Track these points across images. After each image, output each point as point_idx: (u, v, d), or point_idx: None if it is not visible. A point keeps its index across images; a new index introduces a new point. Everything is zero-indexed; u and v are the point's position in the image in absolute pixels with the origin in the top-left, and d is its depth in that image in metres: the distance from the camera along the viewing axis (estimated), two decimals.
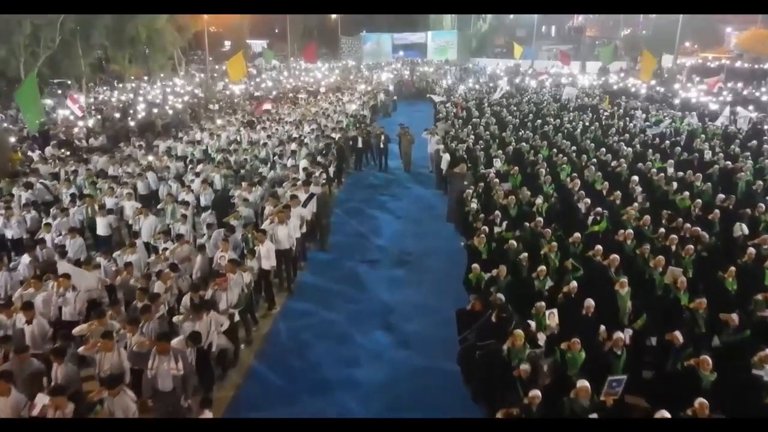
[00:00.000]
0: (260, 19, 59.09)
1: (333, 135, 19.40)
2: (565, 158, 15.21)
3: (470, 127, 20.54)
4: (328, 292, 10.67)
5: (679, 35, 46.15)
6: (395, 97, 34.98)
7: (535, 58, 53.29)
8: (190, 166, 16.04)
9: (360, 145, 19.35)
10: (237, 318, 8.43)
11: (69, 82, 36.96)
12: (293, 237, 10.52)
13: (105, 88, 37.97)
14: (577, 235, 9.86)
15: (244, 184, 13.36)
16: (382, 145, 19.29)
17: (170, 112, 25.52)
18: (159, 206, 12.93)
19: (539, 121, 21.29)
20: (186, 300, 8.03)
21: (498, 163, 15.21)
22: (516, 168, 14.30)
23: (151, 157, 17.07)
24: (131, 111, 25.29)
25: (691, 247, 9.33)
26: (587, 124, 21.74)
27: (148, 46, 37.25)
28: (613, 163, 14.73)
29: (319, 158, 16.04)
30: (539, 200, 11.78)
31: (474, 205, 12.04)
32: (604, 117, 22.37)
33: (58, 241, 10.56)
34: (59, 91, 34.77)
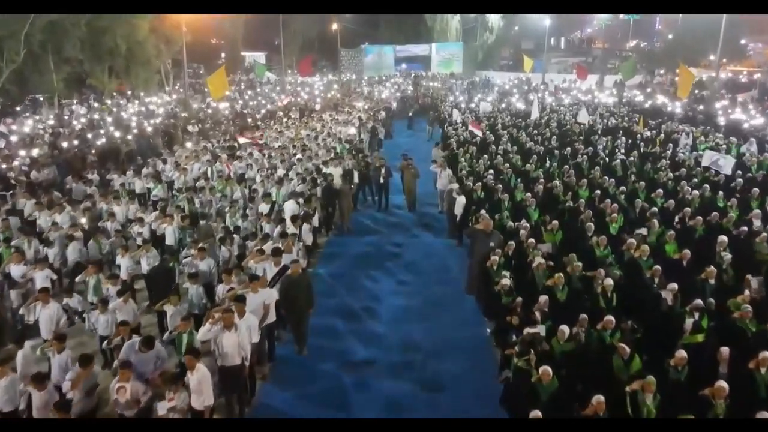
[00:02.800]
0: (258, 29, 56.17)
1: (323, 164, 16.19)
2: (615, 204, 11.87)
3: (486, 157, 17.22)
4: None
5: (703, 46, 43.48)
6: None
7: (545, 71, 50.26)
8: (138, 215, 12.73)
9: (356, 179, 16.05)
10: None
11: (41, 98, 33.97)
12: (246, 347, 7.16)
13: (82, 105, 34.82)
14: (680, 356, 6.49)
15: (194, 249, 10.06)
16: (382, 180, 15.98)
17: (150, 133, 22.36)
18: (78, 278, 9.69)
19: (568, 149, 17.94)
20: None
21: (531, 212, 11.96)
22: (555, 222, 10.95)
23: (97, 206, 13.76)
24: (99, 133, 22.10)
25: None
26: (623, 151, 18.46)
27: (128, 60, 34.18)
28: (681, 213, 11.43)
29: (298, 203, 12.73)
30: (606, 281, 8.33)
31: (506, 281, 8.73)
32: (642, 143, 19.02)
33: None
34: (29, 112, 31.68)
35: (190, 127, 24.69)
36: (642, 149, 18.22)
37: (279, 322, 8.86)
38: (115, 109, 29.58)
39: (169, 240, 11.79)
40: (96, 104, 33.81)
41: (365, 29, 61.84)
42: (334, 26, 58.14)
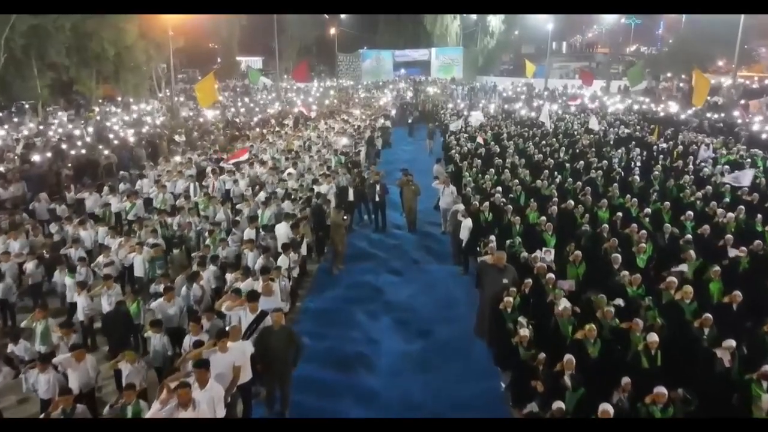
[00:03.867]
0: (254, 34, 54.89)
1: (314, 182, 14.83)
2: (643, 231, 10.50)
3: (492, 171, 15.88)
4: None
5: (710, 51, 42.18)
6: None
7: (548, 77, 49.03)
8: (107, 240, 11.37)
9: (351, 197, 14.69)
10: None
11: (27, 105, 32.68)
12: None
13: (69, 112, 33.48)
14: None
15: (163, 284, 8.70)
16: (378, 197, 14.61)
17: (132, 143, 21.00)
18: (24, 324, 8.33)
19: (581, 162, 16.59)
20: None
21: (547, 238, 10.61)
22: (578, 253, 9.58)
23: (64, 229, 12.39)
24: (76, 145, 20.72)
25: None
26: (639, 164, 17.14)
27: (117, 65, 32.84)
28: (721, 242, 10.07)
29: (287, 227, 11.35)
30: (650, 338, 6.83)
31: (525, 332, 7.36)
32: (660, 155, 17.65)
33: None
34: (15, 119, 30.34)
35: (176, 137, 23.32)
36: (660, 162, 16.88)
37: (257, 378, 7.48)
38: (99, 118, 28.14)
39: (138, 272, 10.44)
40: (82, 111, 32.35)
41: (364, 33, 60.78)
42: (332, 31, 57.09)
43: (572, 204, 12.32)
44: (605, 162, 16.57)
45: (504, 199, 13.05)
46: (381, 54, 57.31)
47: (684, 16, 58.15)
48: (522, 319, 7.62)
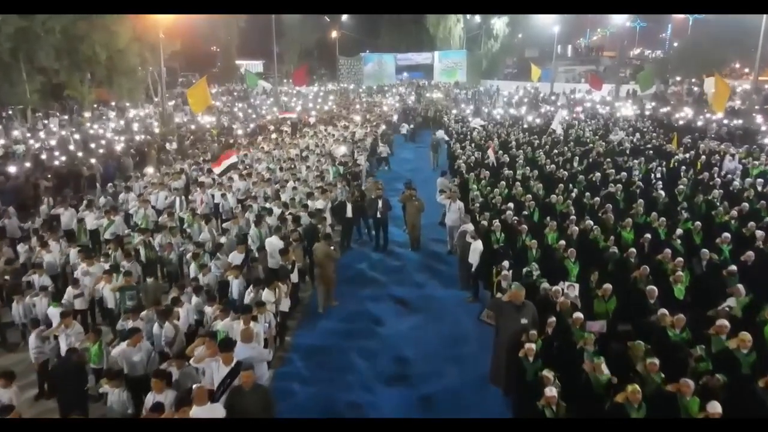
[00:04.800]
0: (254, 37, 53.76)
1: (309, 196, 13.63)
2: (680, 258, 9.27)
3: (503, 184, 14.67)
4: None
5: (723, 53, 40.83)
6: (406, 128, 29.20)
7: (554, 81, 47.77)
8: (75, 265, 10.22)
9: (349, 213, 13.49)
10: None
11: (11, 111, 31.58)
12: None
13: (61, 117, 32.37)
14: None
15: (131, 320, 7.53)
16: (379, 214, 13.40)
17: (119, 152, 19.82)
18: None
19: (597, 173, 15.36)
20: None
21: (570, 266, 9.42)
22: (608, 287, 8.35)
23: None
24: (54, 155, 19.54)
25: None
26: (659, 176, 15.93)
27: (110, 69, 31.72)
28: None
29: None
30: (712, 408, 5.51)
31: (551, 392, 6.12)
32: (682, 166, 16.38)
33: None
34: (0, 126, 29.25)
35: (167, 145, 22.16)
36: (682, 174, 15.63)
37: None
38: (89, 124, 27.00)
39: (110, 303, 9.27)
40: (75, 117, 31.24)
41: (365, 37, 59.72)
42: (334, 34, 56.01)
43: (592, 224, 11.10)
44: (624, 174, 15.35)
45: (516, 217, 11.84)
46: (383, 57, 56.22)
47: (691, 18, 57.19)
48: (548, 373, 6.39)
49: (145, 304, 9.01)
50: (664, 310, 7.58)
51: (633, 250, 9.73)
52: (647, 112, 29.92)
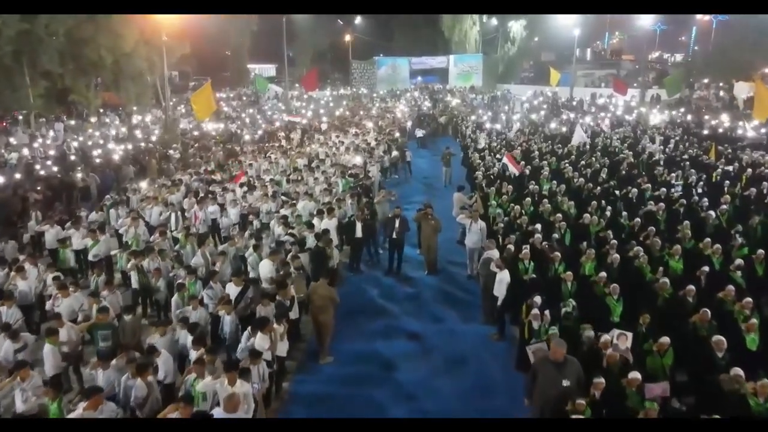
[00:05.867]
0: (267, 40, 52.88)
1: (316, 215, 12.37)
2: (748, 299, 7.86)
3: (528, 201, 13.29)
4: None
5: (752, 56, 38.98)
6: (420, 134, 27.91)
7: (573, 85, 46.12)
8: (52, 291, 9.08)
9: (358, 233, 12.22)
10: None
11: (20, 117, 30.91)
12: None
13: (68, 123, 31.60)
14: None
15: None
16: (395, 234, 12.08)
17: (117, 161, 18.73)
18: None
19: (633, 189, 13.89)
20: None
21: (613, 305, 8.06)
22: (666, 341, 6.95)
23: None
24: (46, 164, 18.48)
25: None
26: (701, 191, 14.46)
27: (116, 73, 30.89)
28: None
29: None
30: None
31: None
32: (726, 181, 14.87)
33: None
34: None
35: (171, 152, 21.10)
36: (727, 190, 14.12)
37: None
38: (90, 130, 26.09)
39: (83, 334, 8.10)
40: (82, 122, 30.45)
41: (379, 40, 58.61)
42: (347, 37, 54.95)
43: (639, 252, 9.70)
44: (663, 189, 13.87)
45: (547, 242, 10.48)
46: (397, 61, 54.96)
47: (714, 21, 55.20)
48: None
49: (122, 340, 7.86)
50: (738, 371, 6.20)
51: (692, 288, 8.30)
52: (677, 119, 28.22)
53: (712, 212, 11.78)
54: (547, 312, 7.82)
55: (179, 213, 13.29)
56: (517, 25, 54.39)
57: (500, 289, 9.25)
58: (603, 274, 8.81)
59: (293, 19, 49.58)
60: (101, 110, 34.15)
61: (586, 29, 56.00)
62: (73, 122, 32.65)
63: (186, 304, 8.65)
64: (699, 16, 59.85)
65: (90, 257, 11.39)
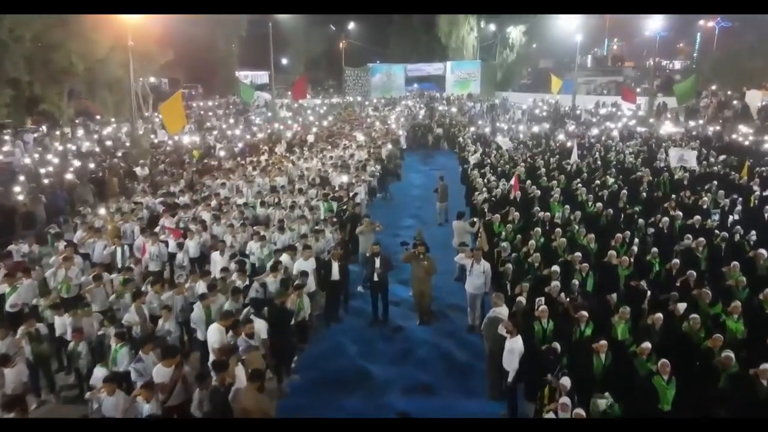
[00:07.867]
0: (260, 47, 50.86)
1: (286, 250, 10.28)
2: None
3: (538, 232, 11.26)
4: None
5: (763, 63, 37.26)
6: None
7: (575, 93, 44.21)
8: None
9: (335, 275, 10.12)
10: None
11: None
12: None
13: (37, 134, 29.49)
14: None
15: None
16: (377, 276, 10.01)
17: (71, 181, 16.57)
18: None
19: (664, 219, 11.75)
20: None
21: (660, 385, 5.99)
22: None
23: None
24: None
25: None
26: (737, 218, 12.45)
27: (90, 82, 28.87)
28: None
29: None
30: None
31: None
32: (765, 206, 12.84)
33: None
34: None
35: (138, 170, 18.99)
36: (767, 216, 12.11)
37: None
38: (57, 143, 24.02)
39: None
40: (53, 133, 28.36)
41: (374, 46, 56.82)
42: (341, 43, 53.08)
43: (682, 308, 7.66)
44: (697, 218, 11.81)
45: (570, 296, 8.43)
46: (392, 68, 53.11)
47: (717, 28, 53.56)
48: None
49: None
50: None
51: (766, 367, 6.24)
52: (693, 132, 26.23)
53: (763, 251, 9.69)
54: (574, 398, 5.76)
55: (125, 247, 11.19)
56: (516, 31, 52.65)
57: (511, 362, 7.18)
58: (647, 345, 6.75)
59: (285, 25, 47.79)
60: (76, 120, 32.02)
61: (585, 35, 54.33)
62: (41, 134, 30.49)
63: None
64: (701, 22, 58.37)
65: (7, 307, 9.27)
